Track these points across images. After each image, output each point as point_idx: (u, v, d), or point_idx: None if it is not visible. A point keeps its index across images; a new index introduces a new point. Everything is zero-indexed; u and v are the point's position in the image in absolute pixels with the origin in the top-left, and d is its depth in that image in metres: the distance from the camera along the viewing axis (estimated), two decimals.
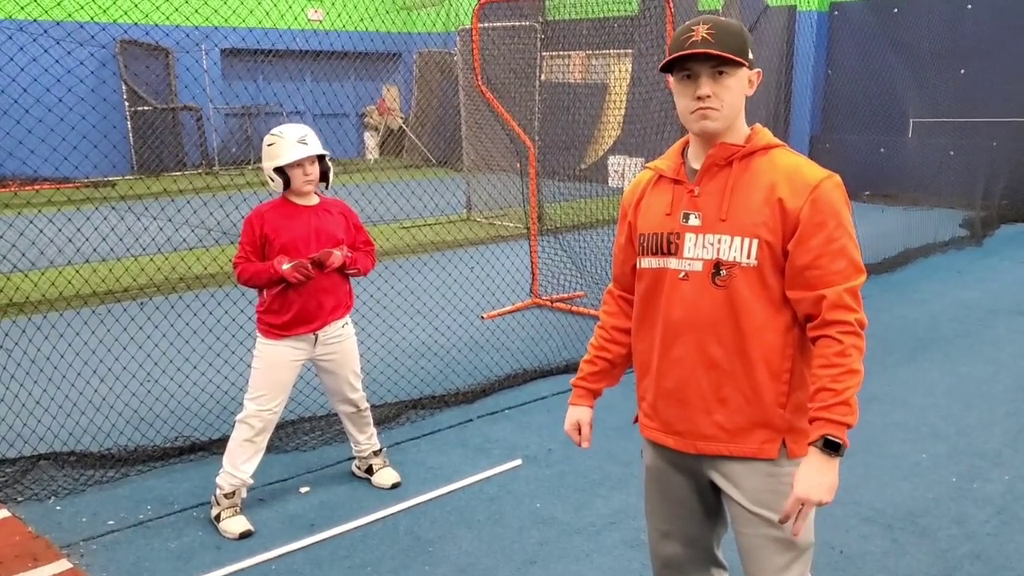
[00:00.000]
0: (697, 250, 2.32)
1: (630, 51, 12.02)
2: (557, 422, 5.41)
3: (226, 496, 4.16)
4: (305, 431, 5.19)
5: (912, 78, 14.12)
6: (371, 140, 22.31)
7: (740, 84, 2.28)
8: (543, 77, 12.37)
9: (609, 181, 15.03)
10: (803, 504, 2.20)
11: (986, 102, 13.73)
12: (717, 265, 2.29)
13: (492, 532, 4.11)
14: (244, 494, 4.28)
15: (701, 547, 2.60)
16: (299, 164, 4.11)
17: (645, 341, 2.48)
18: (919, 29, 14.19)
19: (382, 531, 4.14)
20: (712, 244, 2.30)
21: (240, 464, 4.16)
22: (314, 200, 4.32)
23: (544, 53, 12.26)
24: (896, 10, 14.78)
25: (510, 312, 7.87)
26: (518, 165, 8.95)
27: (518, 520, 4.22)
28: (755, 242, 2.25)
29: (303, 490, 4.55)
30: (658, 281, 2.40)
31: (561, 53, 12.77)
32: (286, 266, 4.09)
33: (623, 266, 2.62)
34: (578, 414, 2.72)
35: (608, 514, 4.27)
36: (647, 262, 2.42)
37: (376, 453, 4.65)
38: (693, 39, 2.23)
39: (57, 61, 6.68)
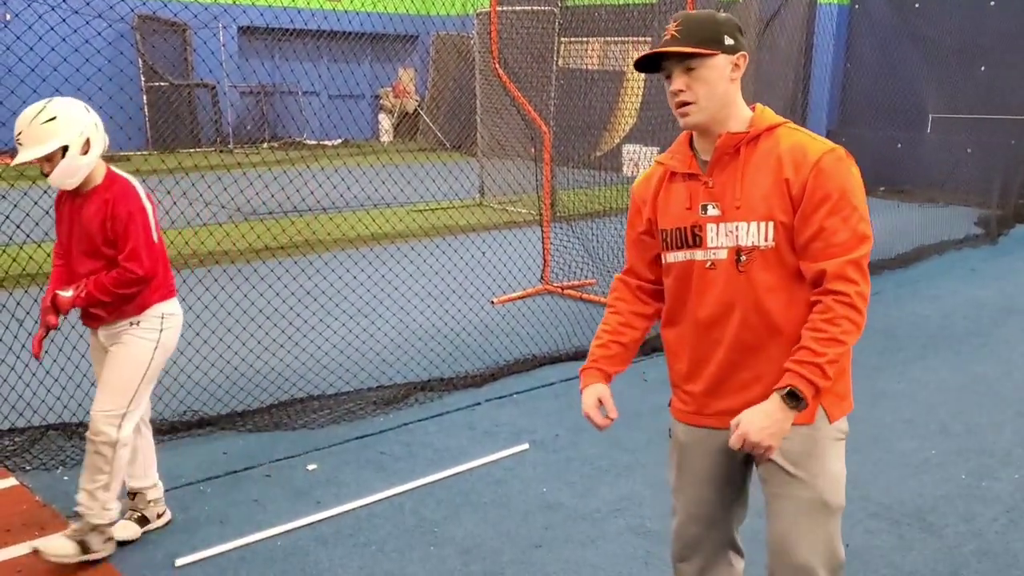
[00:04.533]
0: (720, 239, 2.39)
1: (648, 39, 11.95)
2: (565, 408, 5.41)
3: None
4: (313, 409, 5.20)
5: (932, 74, 14.01)
6: (386, 122, 22.30)
7: (716, 73, 2.32)
8: (560, 62, 12.32)
9: (623, 169, 14.97)
10: (742, 443, 2.27)
11: (1006, 100, 13.61)
12: (738, 251, 2.37)
13: (497, 515, 4.12)
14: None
15: (723, 529, 2.64)
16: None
17: (677, 330, 2.55)
18: (940, 24, 14.06)
19: (388, 511, 4.14)
20: (732, 232, 2.37)
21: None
22: (89, 183, 3.64)
23: (562, 39, 12.20)
24: (917, 5, 14.66)
25: (520, 298, 7.86)
26: (532, 151, 8.92)
27: (524, 504, 4.22)
28: (771, 224, 2.32)
29: (310, 467, 4.56)
30: (686, 273, 2.46)
31: (579, 39, 12.70)
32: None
33: (640, 257, 2.65)
34: (597, 391, 2.63)
35: (613, 500, 4.27)
36: (673, 256, 2.49)
37: (93, 529, 3.65)
38: (664, 38, 2.33)
39: (75, 31, 6.65)
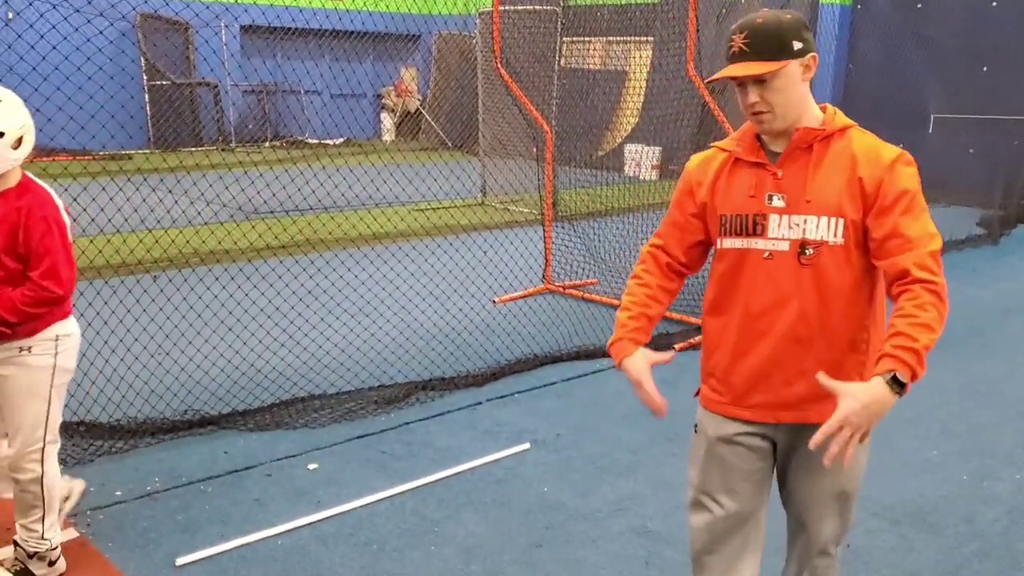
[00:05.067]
0: (782, 230, 2.40)
1: (650, 39, 11.95)
2: (566, 407, 5.41)
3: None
4: (315, 408, 5.20)
5: (934, 74, 13.99)
6: (388, 121, 22.29)
7: (789, 81, 2.34)
8: (562, 62, 12.31)
9: (625, 169, 14.99)
10: (843, 426, 2.15)
11: (1008, 100, 13.59)
12: (803, 244, 2.38)
13: (498, 515, 4.11)
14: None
15: (755, 523, 2.64)
16: None
17: (723, 318, 2.54)
18: (943, 25, 14.04)
19: (389, 510, 4.14)
20: (798, 224, 2.38)
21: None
22: (1, 185, 3.26)
23: (564, 38, 12.20)
24: (919, 5, 14.65)
25: (522, 297, 7.86)
26: (534, 150, 8.92)
27: (525, 504, 4.22)
28: (841, 221, 2.35)
29: (311, 467, 4.56)
30: (741, 261, 2.47)
31: (581, 39, 12.70)
32: None
33: (680, 239, 2.64)
34: (641, 361, 2.55)
35: (615, 500, 4.26)
36: (729, 242, 2.49)
37: (32, 556, 3.49)
38: (732, 51, 2.35)
39: (77, 29, 6.66)
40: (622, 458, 4.73)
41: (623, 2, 11.06)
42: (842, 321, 2.40)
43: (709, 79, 2.40)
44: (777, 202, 2.41)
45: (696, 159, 2.62)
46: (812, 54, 2.37)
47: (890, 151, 2.37)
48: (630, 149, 15.14)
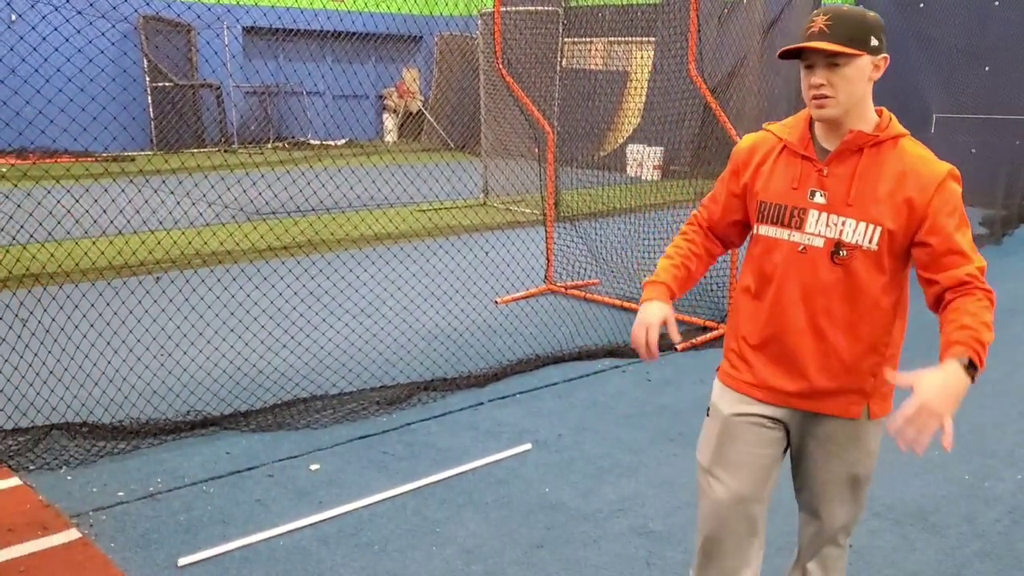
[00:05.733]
0: (820, 227, 2.43)
1: (652, 39, 11.95)
2: (568, 408, 5.41)
3: None
4: (316, 409, 5.20)
5: (936, 74, 13.98)
6: (390, 122, 22.31)
7: (858, 72, 2.35)
8: (564, 63, 12.31)
9: (627, 170, 14.99)
10: (922, 411, 2.08)
11: (1010, 100, 13.58)
12: (838, 245, 2.41)
13: (500, 515, 4.12)
14: None
15: (761, 508, 2.66)
16: None
17: (753, 301, 2.59)
18: (945, 25, 14.03)
19: (390, 510, 4.14)
20: (836, 224, 2.41)
21: None
22: None
23: (566, 39, 12.20)
24: (922, 5, 14.64)
25: (524, 298, 7.86)
26: (536, 151, 8.92)
27: (526, 504, 4.22)
28: (879, 229, 2.38)
29: (313, 467, 4.56)
30: (774, 250, 2.51)
31: (583, 39, 12.70)
32: None
33: (723, 216, 2.70)
34: (663, 309, 2.57)
35: (616, 501, 4.26)
36: (765, 230, 2.53)
37: None
38: (812, 30, 2.35)
39: (79, 31, 6.67)
40: (623, 458, 4.73)
41: (625, 2, 11.06)
42: (866, 323, 2.45)
43: (785, 48, 2.39)
44: (819, 199, 2.44)
45: (747, 140, 2.65)
46: (885, 55, 2.39)
47: (940, 167, 2.39)
48: (632, 149, 15.14)
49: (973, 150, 13.65)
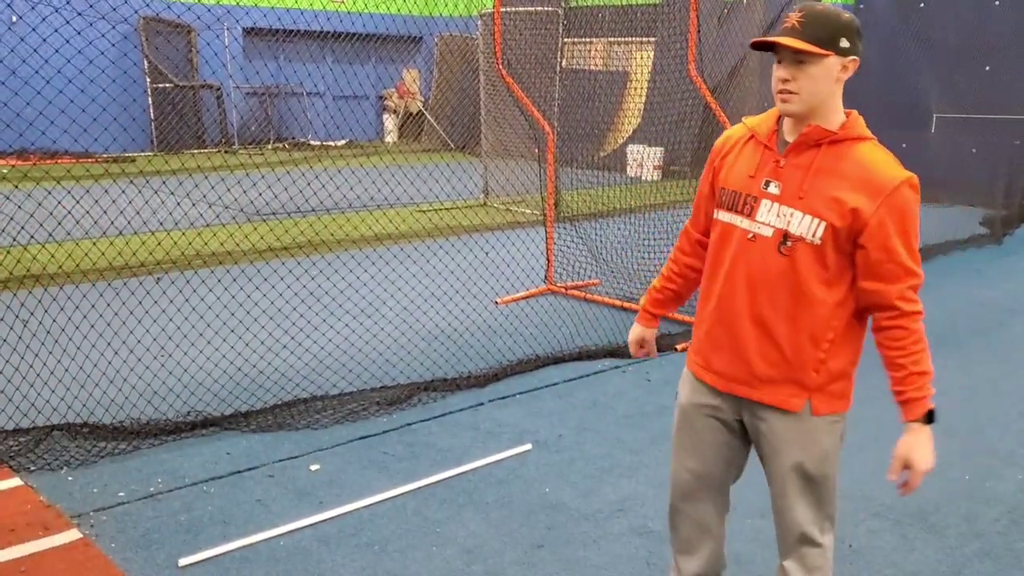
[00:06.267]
0: (770, 217, 2.49)
1: (652, 39, 11.96)
2: (568, 408, 5.42)
3: None
4: (317, 409, 5.21)
5: (936, 73, 13.98)
6: (390, 123, 22.31)
7: (824, 72, 2.39)
8: (564, 63, 12.32)
9: (627, 170, 15.00)
10: (909, 468, 2.48)
11: (1011, 99, 13.58)
12: (785, 236, 2.47)
13: (500, 515, 4.12)
14: None
15: (719, 486, 2.83)
16: None
17: (709, 285, 2.69)
18: (945, 24, 14.03)
19: (390, 511, 4.15)
20: (785, 215, 2.47)
21: None
22: None
23: (566, 39, 12.21)
24: (922, 5, 14.64)
25: (524, 298, 7.86)
26: (536, 151, 8.93)
27: (526, 504, 4.23)
28: (823, 224, 2.41)
29: (313, 468, 4.57)
30: (727, 235, 2.59)
31: (583, 40, 12.71)
32: None
33: (705, 210, 2.79)
34: (643, 332, 3.01)
35: (616, 501, 4.27)
36: (722, 215, 2.62)
37: None
38: (786, 25, 2.41)
39: (79, 33, 6.68)
40: (624, 459, 4.74)
41: (625, 3, 11.07)
42: (807, 315, 2.47)
43: (754, 40, 2.47)
44: (773, 189, 2.49)
45: (724, 134, 2.74)
46: (854, 58, 2.42)
47: (895, 174, 2.40)
48: (632, 150, 15.15)
49: (974, 150, 13.65)
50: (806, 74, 2.38)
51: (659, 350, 5.45)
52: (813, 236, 2.42)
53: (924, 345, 2.44)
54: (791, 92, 2.41)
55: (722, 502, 2.87)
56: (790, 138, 2.51)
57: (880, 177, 2.38)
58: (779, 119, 2.56)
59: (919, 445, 2.46)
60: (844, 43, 2.37)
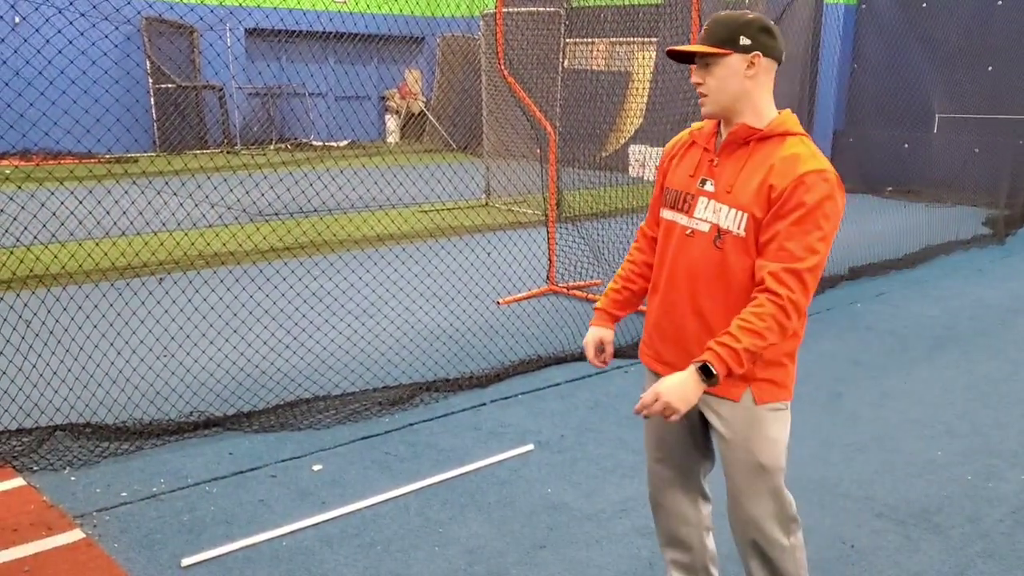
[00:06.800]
0: (706, 213, 2.62)
1: (654, 39, 11.95)
2: (570, 409, 5.42)
3: None
4: (319, 409, 5.21)
5: (939, 74, 13.97)
6: (392, 123, 22.30)
7: (728, 71, 2.53)
8: (566, 63, 12.32)
9: (629, 170, 14.98)
10: (656, 399, 2.47)
11: (1013, 100, 13.57)
12: (719, 230, 2.59)
13: (502, 515, 4.12)
14: None
15: (689, 474, 2.96)
16: None
17: (655, 278, 2.83)
18: (947, 24, 14.02)
19: (393, 511, 4.15)
20: (718, 211, 2.60)
21: None
22: None
23: (568, 39, 12.21)
24: (924, 5, 14.63)
25: (526, 298, 7.86)
26: (538, 151, 8.93)
27: (529, 505, 4.23)
28: (746, 216, 2.53)
29: (316, 468, 4.57)
30: (670, 232, 2.74)
31: (585, 40, 12.71)
32: None
33: (655, 211, 2.91)
34: (602, 333, 3.02)
35: (619, 501, 4.27)
36: (666, 213, 2.78)
37: None
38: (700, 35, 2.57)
39: (82, 34, 6.68)
40: (626, 459, 4.73)
41: (627, 3, 11.06)
42: (740, 306, 2.54)
43: (668, 49, 2.64)
44: (708, 187, 2.63)
45: (673, 139, 2.91)
46: (756, 52, 2.51)
47: (810, 163, 2.47)
48: (634, 150, 15.13)
49: (976, 150, 13.64)
50: (712, 75, 2.54)
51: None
52: (739, 228, 2.54)
53: (765, 326, 2.42)
54: (703, 94, 2.57)
55: (695, 491, 2.97)
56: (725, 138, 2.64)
57: (796, 165, 2.46)
58: (719, 123, 2.68)
59: (678, 381, 2.47)
60: (744, 40, 2.49)
